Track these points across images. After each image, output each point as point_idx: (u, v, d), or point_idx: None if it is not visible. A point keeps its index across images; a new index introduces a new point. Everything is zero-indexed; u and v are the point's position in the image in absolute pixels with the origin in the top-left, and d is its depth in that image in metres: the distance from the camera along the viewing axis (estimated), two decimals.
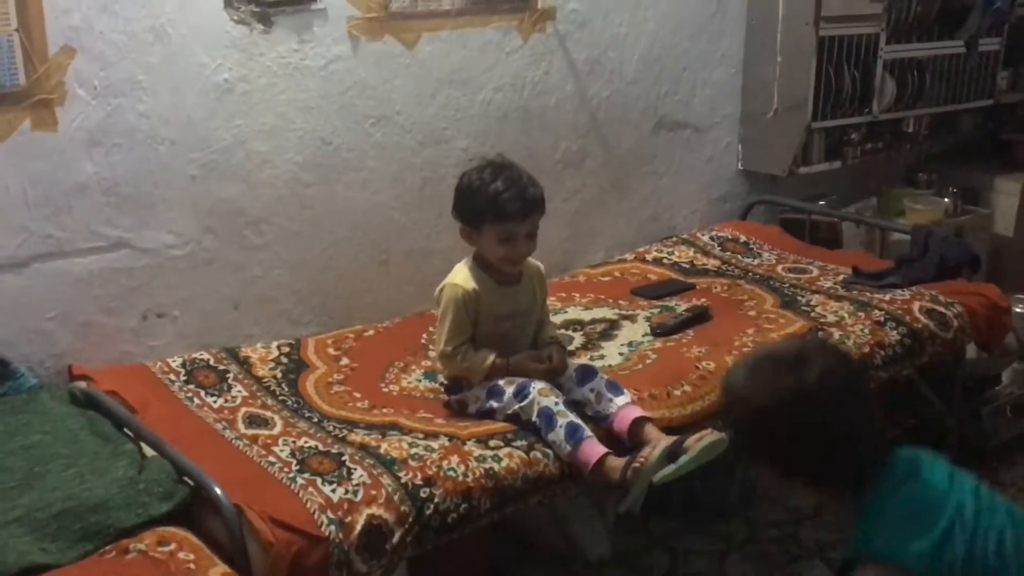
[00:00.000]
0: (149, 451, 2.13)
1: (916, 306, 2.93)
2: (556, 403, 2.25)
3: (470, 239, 2.37)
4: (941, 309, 2.93)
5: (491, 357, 2.36)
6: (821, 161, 3.82)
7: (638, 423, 2.27)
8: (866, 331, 2.80)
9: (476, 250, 2.41)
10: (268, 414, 2.39)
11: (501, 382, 2.35)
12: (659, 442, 2.19)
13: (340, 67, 2.88)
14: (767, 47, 3.65)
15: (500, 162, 2.37)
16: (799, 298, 3.05)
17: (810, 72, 3.56)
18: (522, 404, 2.28)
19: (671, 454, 2.14)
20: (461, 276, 2.37)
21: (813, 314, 2.90)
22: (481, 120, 3.20)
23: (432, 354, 2.65)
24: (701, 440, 2.15)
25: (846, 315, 2.87)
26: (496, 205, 2.29)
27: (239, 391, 2.50)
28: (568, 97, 3.38)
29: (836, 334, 2.76)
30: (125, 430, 2.21)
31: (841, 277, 3.22)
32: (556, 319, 2.93)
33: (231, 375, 2.57)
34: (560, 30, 3.28)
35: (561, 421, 2.22)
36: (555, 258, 3.37)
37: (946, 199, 4.00)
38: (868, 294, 3.04)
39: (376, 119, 2.99)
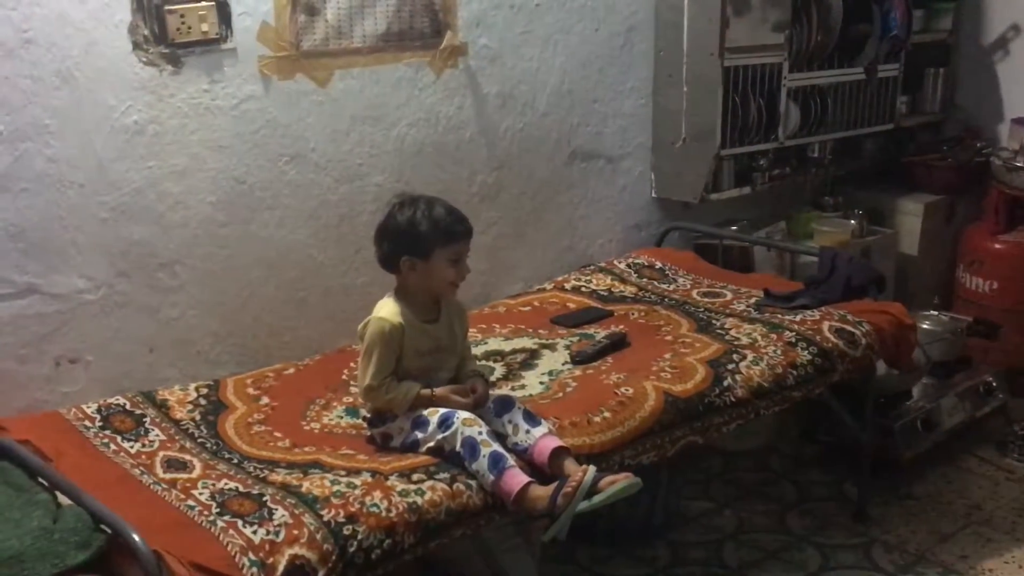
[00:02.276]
0: (65, 500, 2.09)
1: (826, 326, 3.01)
2: (480, 433, 2.27)
3: (412, 271, 2.38)
4: (850, 328, 3.01)
5: (416, 387, 2.38)
6: (731, 187, 3.90)
7: (558, 453, 2.30)
8: (779, 352, 2.87)
9: (398, 286, 2.43)
10: (187, 457, 2.37)
11: (425, 412, 2.36)
12: (587, 469, 2.22)
13: (252, 106, 2.89)
14: (675, 78, 3.73)
15: (420, 195, 2.42)
16: (714, 322, 3.12)
17: (717, 101, 3.65)
18: (446, 434, 2.29)
19: (588, 494, 2.18)
20: (387, 311, 2.39)
21: (727, 337, 2.97)
22: (396, 156, 3.22)
23: (355, 389, 2.65)
24: (615, 484, 2.19)
25: (759, 337, 2.94)
26: (444, 229, 2.36)
27: (157, 435, 2.47)
28: (482, 131, 3.43)
29: (750, 356, 2.83)
30: (39, 480, 2.17)
31: (754, 300, 3.29)
32: (477, 350, 2.95)
33: (148, 419, 2.54)
34: (472, 66, 3.33)
35: (484, 451, 2.24)
36: (475, 290, 3.40)
37: (852, 221, 4.11)
38: (780, 316, 3.11)
39: (290, 157, 3.00)
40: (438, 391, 2.40)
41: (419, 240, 2.36)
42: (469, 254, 2.43)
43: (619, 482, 2.20)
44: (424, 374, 2.43)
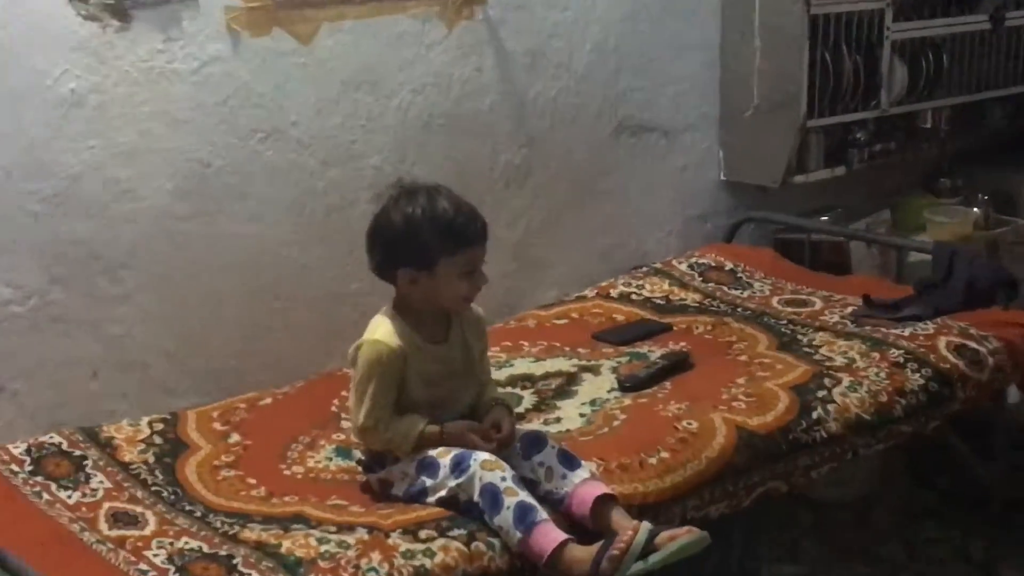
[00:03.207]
0: None
1: (942, 342, 2.98)
2: (503, 478, 2.26)
3: (414, 285, 2.38)
4: (973, 345, 2.98)
5: (421, 424, 2.37)
6: (820, 167, 3.89)
7: (603, 503, 2.29)
8: (883, 375, 2.84)
9: (397, 298, 2.43)
10: (138, 509, 2.37)
11: (434, 453, 2.35)
12: (639, 525, 2.21)
13: (218, 70, 2.90)
14: (748, 30, 3.72)
15: (422, 185, 2.41)
16: (800, 337, 3.09)
17: (802, 59, 3.64)
18: (461, 480, 2.28)
19: (644, 552, 2.16)
20: (384, 331, 2.38)
21: (817, 356, 2.94)
22: (398, 130, 3.23)
23: (347, 424, 2.65)
24: (676, 539, 2.17)
25: (857, 356, 2.92)
26: (453, 232, 2.33)
27: (101, 482, 2.47)
28: (505, 99, 3.43)
29: (846, 380, 2.80)
30: None
31: (850, 309, 3.27)
32: (500, 375, 2.93)
33: (90, 462, 2.54)
34: (492, 16, 3.34)
35: (509, 501, 2.22)
36: (497, 298, 3.40)
37: (975, 208, 4.09)
38: (883, 330, 3.09)
39: (266, 134, 3.01)
40: (450, 427, 2.39)
41: (419, 248, 2.34)
42: (486, 259, 2.41)
43: (681, 538, 2.18)
44: (434, 407, 2.42)
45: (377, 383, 2.36)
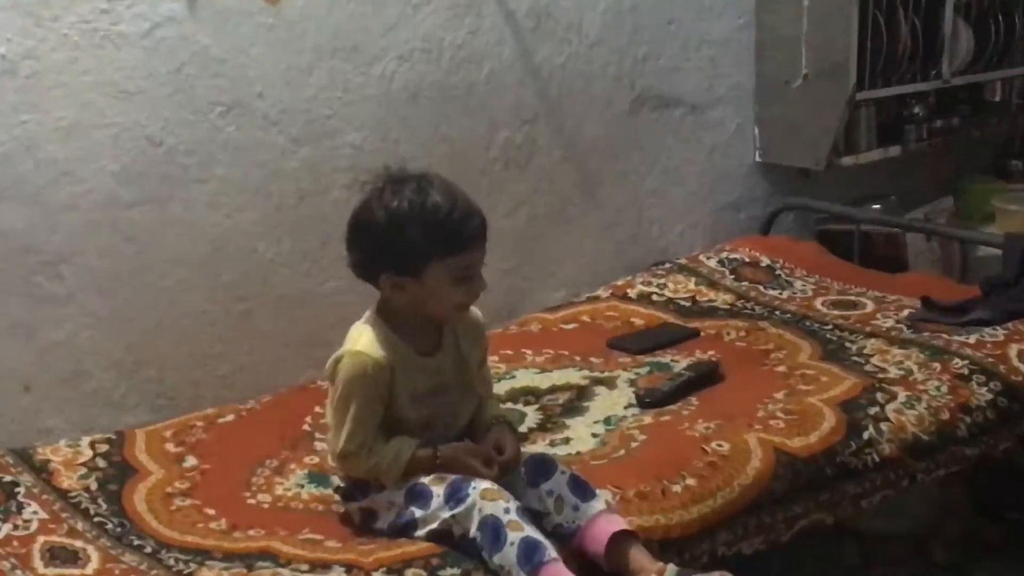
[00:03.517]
0: None
1: (1014, 351, 2.99)
2: (507, 510, 2.26)
3: (399, 292, 2.37)
4: None
5: (411, 447, 2.37)
6: (872, 147, 3.90)
7: (620, 540, 2.29)
8: (944, 389, 2.84)
9: (381, 302, 2.42)
10: (78, 544, 2.36)
11: (426, 481, 2.35)
12: (664, 569, 2.21)
13: (171, 33, 2.90)
14: None
15: (411, 174, 2.39)
16: (848, 345, 3.10)
17: (851, 21, 3.64)
18: (456, 511, 2.28)
19: None
20: (366, 341, 2.37)
21: (868, 367, 2.95)
22: (381, 104, 3.23)
23: (322, 446, 2.65)
24: None
25: (915, 367, 2.92)
26: (445, 232, 2.30)
27: (35, 512, 2.46)
28: (506, 67, 3.43)
29: (902, 395, 2.80)
30: None
31: (906, 312, 3.28)
32: (500, 388, 2.93)
33: (22, 489, 2.53)
34: None
35: (513, 536, 2.22)
36: (495, 300, 3.40)
37: None
38: (945, 336, 3.09)
39: (227, 107, 3.01)
40: (445, 451, 2.38)
41: (405, 250, 2.32)
42: (485, 260, 2.40)
43: None
44: (425, 427, 2.41)
45: (360, 402, 2.35)
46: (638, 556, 2.27)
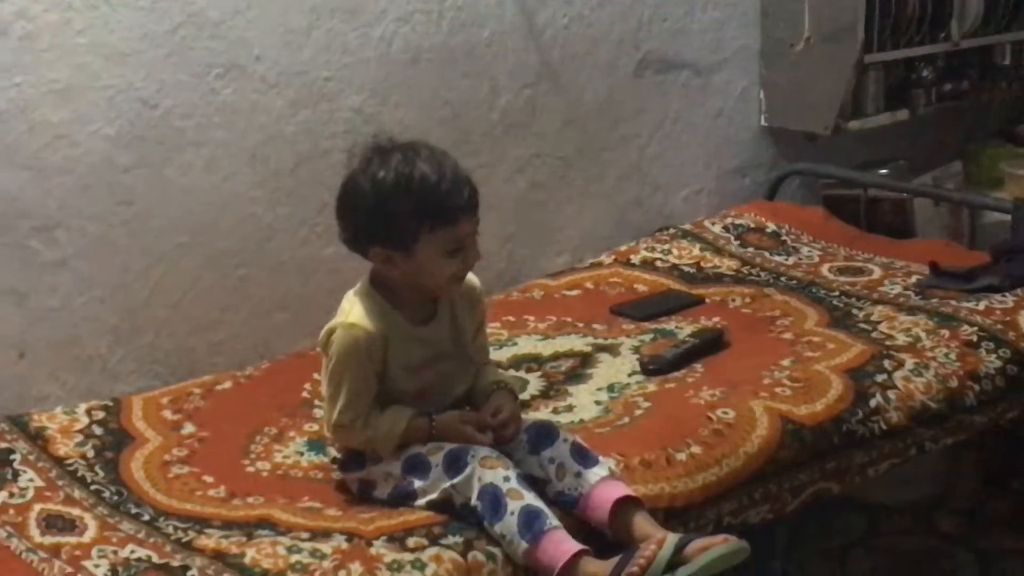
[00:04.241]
0: None
1: (1023, 317, 2.99)
2: (507, 478, 2.26)
3: (390, 265, 2.36)
4: None
5: (406, 416, 2.37)
6: (880, 111, 3.88)
7: (624, 506, 2.29)
8: (953, 356, 2.84)
9: (373, 272, 2.41)
10: (75, 512, 2.37)
11: (424, 450, 2.35)
12: (665, 537, 2.20)
13: None
14: None
15: (399, 144, 2.37)
16: (855, 312, 3.10)
17: None
18: (456, 481, 2.28)
19: (670, 565, 2.16)
20: (359, 312, 2.37)
21: (875, 334, 2.95)
22: (380, 66, 3.22)
23: (320, 414, 2.64)
24: (709, 550, 2.17)
25: (923, 334, 2.92)
26: (433, 204, 2.29)
27: (31, 480, 2.47)
28: (508, 29, 3.41)
29: (909, 362, 2.80)
30: None
31: (914, 279, 3.28)
32: (501, 355, 2.94)
33: (18, 456, 2.54)
34: None
35: (513, 505, 2.22)
36: (496, 265, 3.40)
37: None
38: (954, 303, 3.09)
39: (224, 69, 3.00)
40: (441, 420, 2.39)
41: (393, 224, 2.31)
42: (482, 221, 2.38)
43: (715, 548, 2.17)
44: (422, 397, 2.42)
45: (353, 374, 2.35)
46: (642, 523, 2.27)
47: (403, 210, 2.28)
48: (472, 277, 2.50)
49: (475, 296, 2.53)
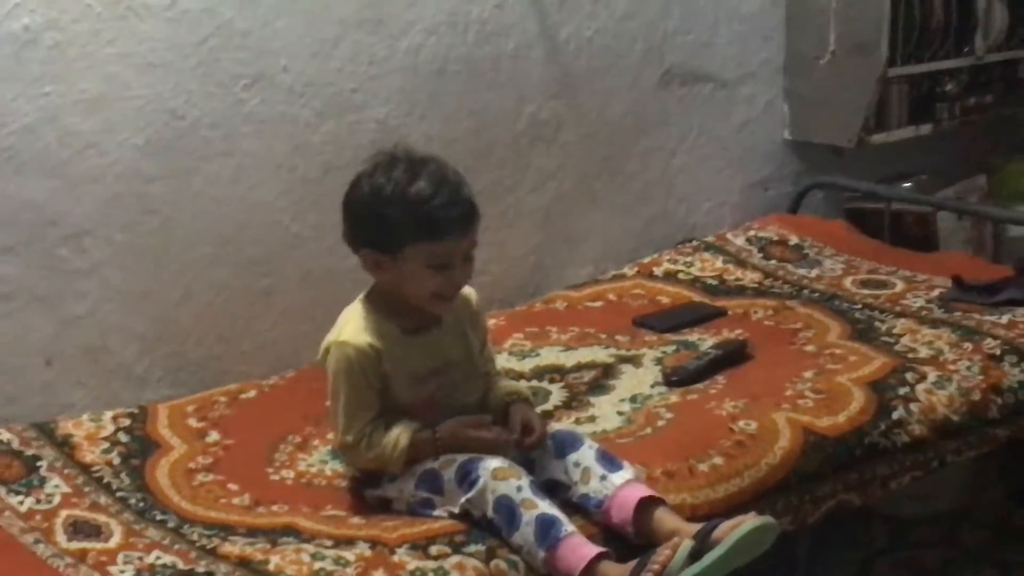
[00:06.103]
0: None
1: None
2: (519, 488, 2.25)
3: (378, 270, 2.38)
4: None
5: (409, 431, 2.35)
6: (904, 125, 3.88)
7: (647, 507, 2.29)
8: (976, 370, 2.84)
9: (373, 286, 2.43)
10: (101, 519, 2.38)
11: (435, 465, 2.35)
12: (682, 536, 2.20)
13: (195, 5, 2.90)
14: None
15: (412, 155, 2.39)
16: (877, 324, 3.09)
17: None
18: (471, 495, 2.28)
19: (695, 551, 2.15)
20: (351, 329, 2.37)
21: (898, 347, 2.95)
22: (406, 77, 3.23)
23: (330, 437, 2.65)
24: (738, 528, 2.16)
25: (946, 347, 2.92)
26: (424, 215, 2.30)
27: (57, 486, 2.48)
28: (533, 41, 3.42)
29: (932, 375, 2.80)
30: None
31: (937, 292, 3.27)
32: (524, 366, 2.95)
33: (45, 463, 2.55)
34: None
35: (527, 515, 2.21)
36: (520, 276, 3.40)
37: None
38: (977, 316, 3.09)
39: (251, 80, 3.01)
40: (444, 429, 2.39)
41: (382, 228, 2.33)
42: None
43: (744, 524, 2.16)
44: (430, 407, 2.42)
45: (349, 393, 2.35)
46: (665, 516, 2.27)
47: (393, 217, 2.31)
48: (468, 290, 2.50)
49: (473, 309, 2.54)
